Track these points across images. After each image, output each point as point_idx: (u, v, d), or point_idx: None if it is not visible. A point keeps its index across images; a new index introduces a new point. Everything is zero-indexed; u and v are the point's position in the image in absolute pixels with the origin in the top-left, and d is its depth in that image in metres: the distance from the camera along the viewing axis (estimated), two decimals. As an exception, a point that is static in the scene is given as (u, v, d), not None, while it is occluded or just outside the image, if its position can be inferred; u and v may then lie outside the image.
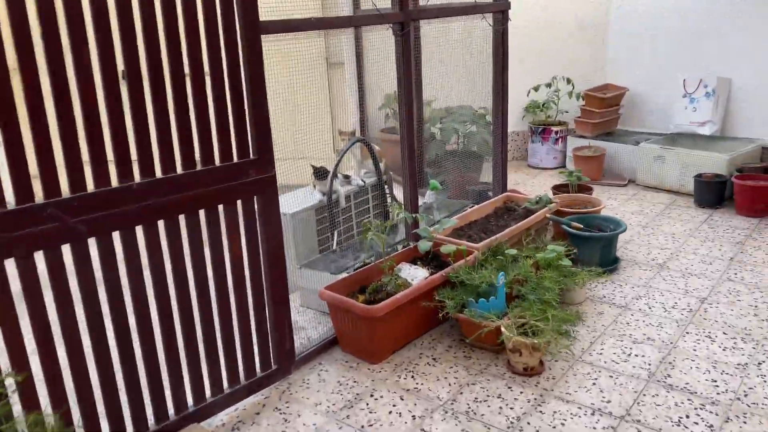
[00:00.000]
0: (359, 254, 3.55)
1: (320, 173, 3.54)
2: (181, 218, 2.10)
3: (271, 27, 2.28)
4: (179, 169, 2.08)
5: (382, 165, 3.95)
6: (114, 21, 1.84)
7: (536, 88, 5.51)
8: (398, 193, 4.15)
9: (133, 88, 1.92)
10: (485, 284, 2.75)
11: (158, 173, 2.02)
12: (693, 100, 4.94)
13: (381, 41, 3.42)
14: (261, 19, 2.22)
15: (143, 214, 1.98)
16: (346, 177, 3.82)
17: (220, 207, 2.21)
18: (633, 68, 5.40)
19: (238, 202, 2.27)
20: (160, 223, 2.05)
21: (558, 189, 4.28)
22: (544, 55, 5.65)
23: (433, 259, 3.16)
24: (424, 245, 2.99)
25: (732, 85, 4.83)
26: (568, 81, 5.45)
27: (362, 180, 3.84)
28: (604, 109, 5.25)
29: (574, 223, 3.51)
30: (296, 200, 3.45)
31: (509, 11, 3.67)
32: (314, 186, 3.68)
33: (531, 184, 5.15)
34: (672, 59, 5.12)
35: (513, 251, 3.04)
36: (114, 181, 1.93)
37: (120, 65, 1.85)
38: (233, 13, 2.13)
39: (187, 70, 2.05)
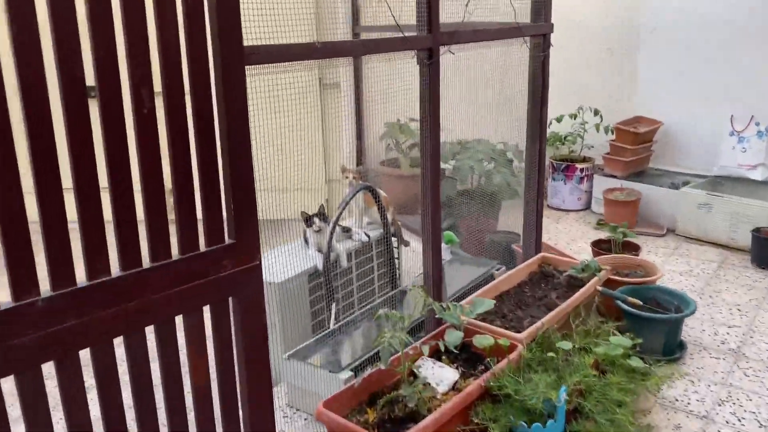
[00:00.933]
0: (362, 331, 2.84)
1: (314, 221, 2.84)
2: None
3: (261, 55, 1.59)
4: (114, 270, 1.37)
5: (389, 215, 3.26)
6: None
7: (559, 119, 4.86)
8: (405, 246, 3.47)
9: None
10: (540, 401, 2.05)
11: (80, 279, 1.31)
12: (742, 139, 4.31)
13: (381, 65, 2.75)
14: (245, 44, 1.53)
15: (47, 345, 1.26)
16: (346, 230, 3.12)
17: (179, 318, 1.50)
18: (668, 100, 4.77)
19: (206, 308, 1.56)
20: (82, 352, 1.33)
21: (598, 246, 3.60)
22: (569, 82, 5.01)
23: (461, 350, 2.46)
24: (453, 338, 2.29)
25: (788, 123, 4.22)
26: (596, 112, 4.81)
27: (366, 234, 3.14)
28: (638, 146, 4.61)
29: (632, 299, 2.83)
30: (282, 261, 2.74)
31: (551, 35, 3.02)
32: (306, 240, 2.98)
33: (555, 230, 4.48)
34: (715, 91, 4.50)
35: (566, 344, 2.36)
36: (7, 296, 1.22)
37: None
38: (200, 34, 1.43)
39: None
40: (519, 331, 2.55)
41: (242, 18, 1.51)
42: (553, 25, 3.00)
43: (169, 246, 1.45)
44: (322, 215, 2.89)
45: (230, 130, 1.51)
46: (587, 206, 4.91)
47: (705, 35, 4.49)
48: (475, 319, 2.47)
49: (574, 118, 4.84)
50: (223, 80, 1.48)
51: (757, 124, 4.24)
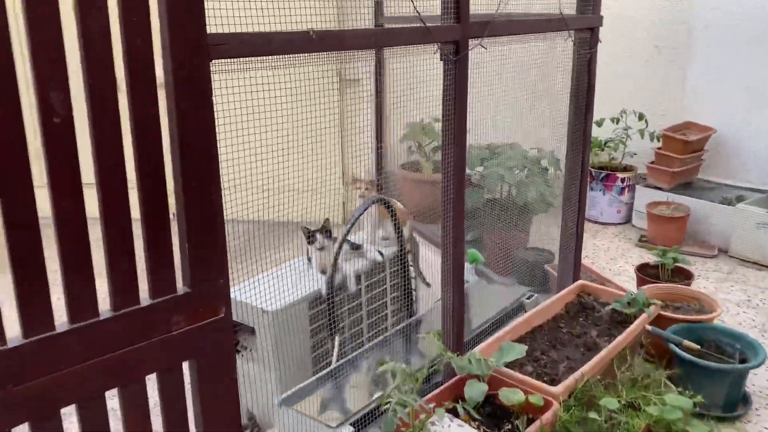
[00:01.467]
0: (371, 367, 2.47)
1: (316, 238, 2.47)
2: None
3: (232, 47, 1.21)
4: (20, 336, 1.01)
5: (405, 230, 2.87)
6: None
7: (599, 123, 4.41)
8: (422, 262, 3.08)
9: None
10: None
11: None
12: (809, 151, 3.83)
13: (408, 57, 2.35)
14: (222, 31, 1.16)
15: None
16: (356, 247, 2.74)
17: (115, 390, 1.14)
18: (722, 104, 4.29)
19: (149, 378, 1.19)
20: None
21: (643, 272, 3.17)
22: (611, 82, 4.55)
23: (484, 404, 2.07)
24: (475, 392, 1.89)
25: None
26: (641, 117, 4.35)
27: (379, 252, 2.76)
28: (687, 155, 4.14)
29: (688, 343, 2.41)
30: (280, 285, 2.37)
31: (599, 29, 2.59)
32: (309, 259, 2.61)
33: (592, 247, 4.05)
34: (778, 96, 4.02)
35: (611, 402, 1.95)
36: None
37: None
38: (141, 16, 1.06)
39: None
40: (554, 381, 2.15)
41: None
42: (602, 17, 2.58)
43: (94, 300, 1.08)
44: (326, 231, 2.51)
45: (186, 144, 1.14)
46: (627, 220, 4.46)
47: (766, 32, 4.00)
48: (505, 368, 2.07)
49: (617, 123, 4.38)
50: (175, 80, 1.11)
51: (827, 134, 3.75)
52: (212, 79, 1.20)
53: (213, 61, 1.19)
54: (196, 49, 1.13)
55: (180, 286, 1.20)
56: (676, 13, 4.40)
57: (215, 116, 1.19)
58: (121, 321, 1.11)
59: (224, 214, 1.24)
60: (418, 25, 1.69)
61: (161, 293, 1.16)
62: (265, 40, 1.28)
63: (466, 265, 2.97)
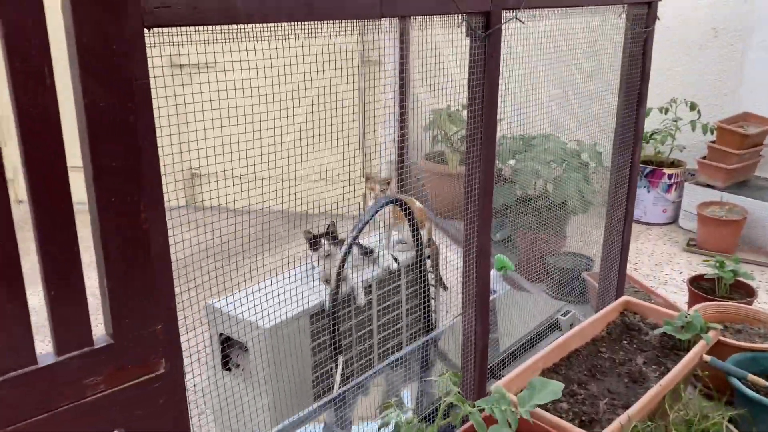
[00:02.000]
0: (382, 393, 2.17)
1: (321, 244, 2.16)
2: None
3: (176, 12, 0.89)
4: None
5: (424, 233, 2.55)
6: None
7: (646, 112, 3.99)
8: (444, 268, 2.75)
9: None
10: None
11: None
12: None
13: (434, 31, 2.00)
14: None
15: None
16: (367, 252, 2.42)
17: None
18: (786, 94, 3.84)
19: None
20: None
21: (697, 286, 2.78)
22: (661, 68, 4.12)
23: (509, 449, 1.74)
24: (499, 441, 1.57)
25: None
26: (693, 106, 3.93)
27: (394, 258, 2.44)
28: (745, 150, 3.71)
29: (754, 377, 2.04)
30: (280, 296, 2.05)
31: (657, 4, 2.20)
32: (313, 266, 2.30)
33: (634, 250, 3.66)
34: None
35: (665, 456, 1.61)
36: None
37: None
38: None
39: None
40: (592, 422, 1.82)
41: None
42: (662, -11, 2.19)
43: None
44: (331, 236, 2.20)
45: (99, 145, 0.82)
46: (674, 220, 4.05)
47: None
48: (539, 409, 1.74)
49: (665, 113, 3.97)
50: (82, 62, 0.79)
51: None
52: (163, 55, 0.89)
53: (150, 30, 0.87)
54: (118, 14, 0.81)
55: (99, 337, 0.89)
56: (737, -9, 3.95)
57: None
58: (9, 387, 0.81)
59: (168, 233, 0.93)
60: (440, -8, 1.35)
61: (69, 347, 0.86)
62: (227, 2, 0.96)
63: (493, 273, 2.64)
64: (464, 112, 3.69)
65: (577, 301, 3.01)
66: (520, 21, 1.54)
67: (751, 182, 3.94)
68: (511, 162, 3.38)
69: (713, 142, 3.83)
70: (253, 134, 1.36)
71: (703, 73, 4.11)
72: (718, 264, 2.65)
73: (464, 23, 1.44)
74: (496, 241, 3.62)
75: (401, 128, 4.29)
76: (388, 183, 2.55)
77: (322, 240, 2.18)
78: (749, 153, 3.76)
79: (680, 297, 3.10)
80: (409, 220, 2.40)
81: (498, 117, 1.68)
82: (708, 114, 4.03)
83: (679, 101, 3.95)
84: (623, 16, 2.12)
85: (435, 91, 2.85)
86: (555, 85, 2.71)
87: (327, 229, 2.22)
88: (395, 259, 2.42)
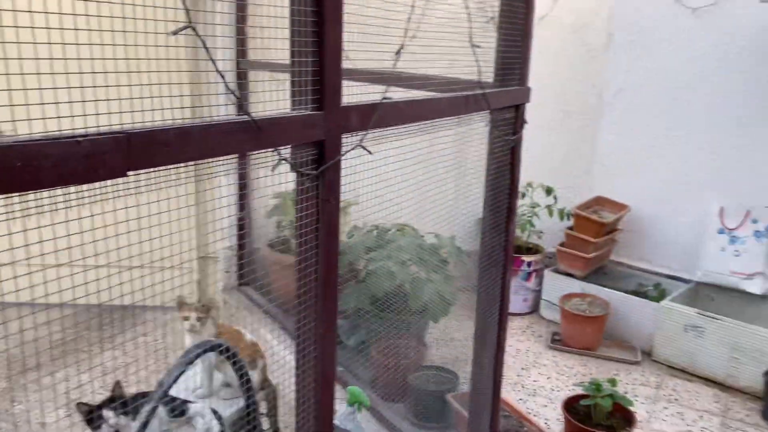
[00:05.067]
0: None
1: (102, 419, 1.55)
2: None
3: None
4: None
5: (254, 375, 2.02)
6: None
7: (503, 197, 3.79)
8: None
9: None
10: None
11: None
12: (735, 239, 3.37)
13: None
14: None
15: None
16: (179, 412, 1.84)
17: None
18: (636, 178, 3.80)
19: None
20: None
21: (572, 410, 2.46)
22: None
23: None
24: None
25: (790, 222, 3.31)
26: (549, 191, 3.78)
27: (216, 416, 1.87)
28: (602, 238, 3.59)
29: None
30: None
31: (524, 107, 1.89)
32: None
33: (498, 350, 3.35)
34: (699, 173, 3.56)
35: None
36: None
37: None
38: None
39: None
40: None
41: None
42: (530, 89, 1.88)
43: None
44: (119, 402, 1.60)
45: None
46: (535, 309, 3.83)
47: (686, 101, 3.56)
48: None
49: (523, 198, 3.77)
50: None
51: (755, 221, 3.31)
52: None
53: None
54: None
55: None
56: (588, 75, 3.90)
57: None
58: None
59: None
60: (243, 118, 0.87)
61: None
62: None
63: (346, 411, 2.16)
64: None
65: (440, 428, 2.61)
66: (367, 150, 1.10)
67: (608, 268, 3.83)
68: (366, 260, 2.96)
69: (571, 228, 3.68)
70: None
71: (557, 155, 4.01)
72: (593, 387, 2.36)
73: (284, 160, 0.96)
74: (348, 345, 3.16)
75: (242, 209, 3.74)
76: (208, 311, 2.00)
77: (105, 412, 1.58)
78: (605, 240, 3.65)
79: (551, 411, 2.80)
80: (234, 363, 1.85)
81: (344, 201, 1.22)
82: (564, 196, 3.91)
83: (536, 185, 3.79)
84: (487, 123, 1.78)
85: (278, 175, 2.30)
86: (410, 175, 2.33)
87: (111, 393, 1.62)
88: (218, 418, 1.85)
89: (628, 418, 2.36)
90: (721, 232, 3.42)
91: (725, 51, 3.39)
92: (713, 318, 3.08)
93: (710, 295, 3.42)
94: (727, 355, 3.03)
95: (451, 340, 3.04)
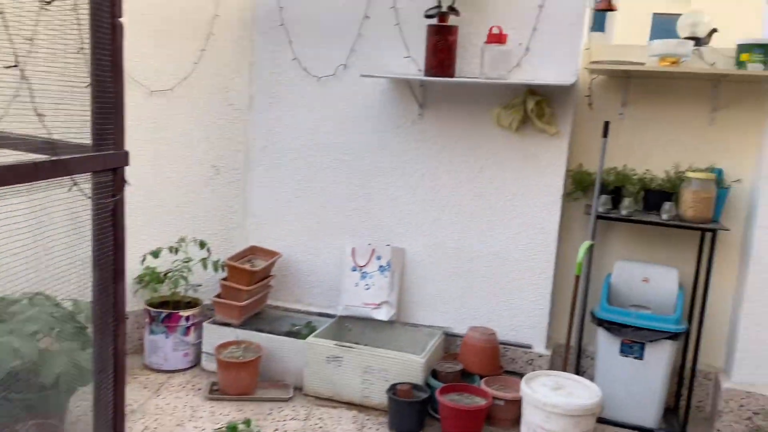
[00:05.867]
0: None
1: None
2: None
3: None
4: None
5: None
6: None
7: (156, 253, 3.78)
8: None
9: None
10: None
11: None
12: (365, 275, 3.88)
13: None
14: None
15: None
16: None
17: None
18: (285, 227, 4.15)
19: None
20: None
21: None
22: (167, 206, 4.00)
23: None
24: None
25: (406, 257, 3.94)
26: (202, 245, 3.88)
27: None
28: (255, 285, 3.80)
29: None
30: None
31: (123, 170, 1.96)
32: None
33: (153, 410, 3.29)
34: (335, 219, 4.03)
35: None
36: None
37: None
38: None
39: None
40: None
41: None
42: (127, 153, 1.95)
43: None
44: None
45: None
46: (196, 362, 3.86)
47: (321, 156, 4.02)
48: None
49: (176, 253, 3.81)
50: None
51: (379, 257, 3.87)
52: None
53: None
54: None
55: None
56: (234, 131, 4.15)
57: None
58: None
59: None
60: None
61: None
62: None
63: None
64: None
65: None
66: None
67: (265, 313, 4.06)
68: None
69: (225, 279, 3.83)
70: None
71: (210, 209, 4.15)
72: (231, 429, 2.48)
73: None
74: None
75: None
76: None
77: None
78: (259, 287, 3.88)
79: (202, 463, 2.85)
80: None
81: None
82: (219, 249, 4.06)
83: (189, 240, 3.87)
84: (84, 188, 1.79)
85: None
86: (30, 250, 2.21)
87: None
88: None
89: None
90: (354, 269, 3.91)
91: (346, 114, 3.94)
92: (349, 347, 3.48)
93: (348, 327, 3.87)
94: (361, 378, 3.44)
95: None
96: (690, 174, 3.29)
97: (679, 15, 3.59)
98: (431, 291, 3.92)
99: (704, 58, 3.50)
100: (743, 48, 3.27)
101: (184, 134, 4.04)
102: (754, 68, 3.21)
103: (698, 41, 3.49)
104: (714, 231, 3.31)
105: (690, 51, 3.34)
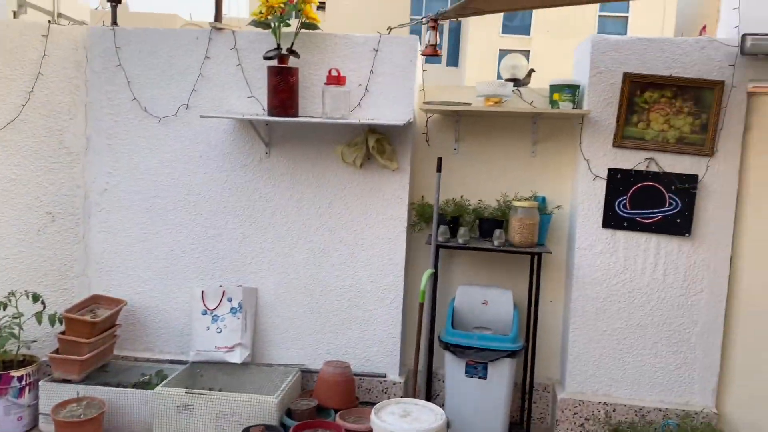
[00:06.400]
0: None
1: None
2: None
3: None
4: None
5: None
6: None
7: (-19, 312, 3.49)
8: None
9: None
10: None
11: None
12: (216, 318, 3.81)
13: None
14: None
15: None
16: None
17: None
18: (131, 273, 3.98)
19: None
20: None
21: None
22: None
23: None
24: None
25: (259, 296, 3.92)
26: (36, 298, 3.63)
27: None
28: (97, 337, 3.61)
29: None
30: None
31: None
32: None
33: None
34: (184, 262, 3.94)
35: None
36: None
37: None
38: None
39: None
40: None
41: None
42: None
43: None
44: None
45: None
46: (34, 424, 3.59)
47: (165, 198, 3.92)
48: None
49: (5, 309, 3.54)
50: None
51: (230, 299, 3.82)
52: None
53: None
54: None
55: None
56: (70, 175, 3.94)
57: None
58: None
59: None
60: None
61: None
62: None
63: None
64: None
65: None
66: None
67: (111, 366, 3.85)
68: None
69: (63, 333, 3.60)
70: None
71: (46, 259, 3.90)
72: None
73: None
74: None
75: None
76: None
77: None
78: (103, 338, 3.68)
79: None
80: None
81: None
82: (58, 300, 3.82)
83: (20, 294, 3.60)
84: None
85: None
86: None
87: None
88: None
89: None
90: (204, 312, 3.82)
91: (190, 154, 3.88)
92: (199, 394, 3.39)
93: (200, 373, 3.77)
94: (214, 425, 3.36)
95: None
96: (515, 203, 3.59)
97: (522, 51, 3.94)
98: (286, 328, 3.92)
99: (524, 97, 3.85)
100: (555, 88, 3.63)
101: (12, 180, 3.79)
102: (565, 107, 3.57)
103: (518, 82, 3.84)
104: (539, 254, 3.62)
105: (510, 91, 3.66)
